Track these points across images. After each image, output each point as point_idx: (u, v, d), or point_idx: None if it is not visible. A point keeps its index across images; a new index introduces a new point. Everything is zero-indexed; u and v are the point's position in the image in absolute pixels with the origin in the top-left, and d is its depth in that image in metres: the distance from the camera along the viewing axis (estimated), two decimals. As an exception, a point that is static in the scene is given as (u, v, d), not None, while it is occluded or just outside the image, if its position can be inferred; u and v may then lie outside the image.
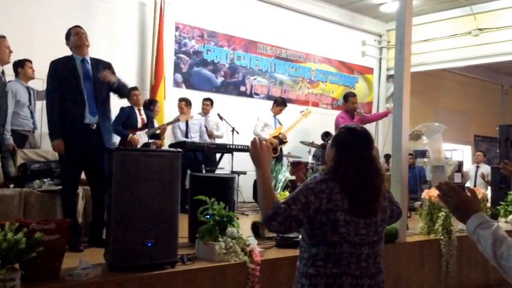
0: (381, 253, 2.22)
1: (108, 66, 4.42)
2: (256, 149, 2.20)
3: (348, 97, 7.47)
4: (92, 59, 4.38)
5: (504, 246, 1.58)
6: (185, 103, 7.55)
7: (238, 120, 8.05)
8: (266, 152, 2.21)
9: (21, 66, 5.75)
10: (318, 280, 2.09)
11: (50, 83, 4.23)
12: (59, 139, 4.14)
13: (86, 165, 4.27)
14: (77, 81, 4.21)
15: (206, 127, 7.92)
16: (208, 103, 8.14)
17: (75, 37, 4.31)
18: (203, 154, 6.80)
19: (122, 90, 4.47)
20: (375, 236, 2.15)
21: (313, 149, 8.12)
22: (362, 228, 2.10)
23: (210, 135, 7.93)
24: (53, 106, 4.16)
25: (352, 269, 2.09)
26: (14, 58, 5.72)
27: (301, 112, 8.62)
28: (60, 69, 4.21)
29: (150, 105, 7.09)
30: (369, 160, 2.19)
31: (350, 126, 2.33)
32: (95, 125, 4.24)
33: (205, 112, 8.13)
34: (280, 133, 8.32)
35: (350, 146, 2.19)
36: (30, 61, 5.82)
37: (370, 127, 7.23)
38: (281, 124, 8.39)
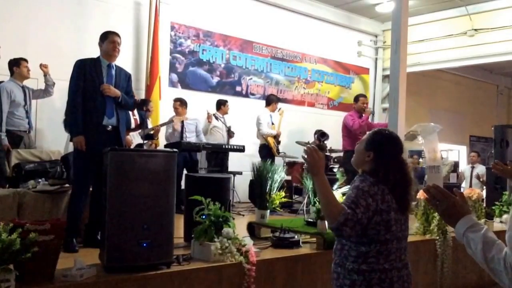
0: None
1: (128, 77, 4.56)
2: (313, 157, 2.22)
3: (359, 97, 7.90)
4: (117, 66, 4.47)
5: (494, 249, 1.57)
6: (179, 103, 7.49)
7: (234, 120, 8.04)
8: (322, 160, 2.25)
9: (16, 65, 5.70)
10: (372, 275, 2.23)
11: (75, 83, 4.27)
12: (81, 135, 4.19)
13: (99, 166, 4.25)
14: (100, 83, 4.28)
15: (229, 128, 7.87)
16: (227, 104, 8.12)
17: (110, 45, 4.37)
18: (208, 154, 6.73)
19: (125, 106, 4.53)
20: (407, 230, 2.38)
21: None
22: (403, 224, 2.32)
23: (232, 136, 7.86)
24: (77, 105, 4.23)
25: (397, 262, 2.28)
26: (8, 57, 5.70)
27: (278, 110, 8.64)
28: (86, 69, 4.28)
29: (143, 105, 7.05)
30: (405, 162, 2.42)
31: (385, 132, 2.47)
32: (110, 126, 4.32)
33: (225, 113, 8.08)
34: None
35: (393, 150, 2.38)
36: (26, 60, 5.76)
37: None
38: (273, 123, 8.39)
